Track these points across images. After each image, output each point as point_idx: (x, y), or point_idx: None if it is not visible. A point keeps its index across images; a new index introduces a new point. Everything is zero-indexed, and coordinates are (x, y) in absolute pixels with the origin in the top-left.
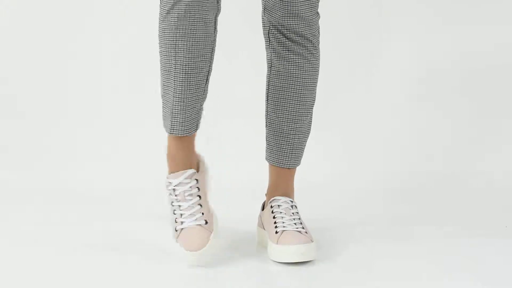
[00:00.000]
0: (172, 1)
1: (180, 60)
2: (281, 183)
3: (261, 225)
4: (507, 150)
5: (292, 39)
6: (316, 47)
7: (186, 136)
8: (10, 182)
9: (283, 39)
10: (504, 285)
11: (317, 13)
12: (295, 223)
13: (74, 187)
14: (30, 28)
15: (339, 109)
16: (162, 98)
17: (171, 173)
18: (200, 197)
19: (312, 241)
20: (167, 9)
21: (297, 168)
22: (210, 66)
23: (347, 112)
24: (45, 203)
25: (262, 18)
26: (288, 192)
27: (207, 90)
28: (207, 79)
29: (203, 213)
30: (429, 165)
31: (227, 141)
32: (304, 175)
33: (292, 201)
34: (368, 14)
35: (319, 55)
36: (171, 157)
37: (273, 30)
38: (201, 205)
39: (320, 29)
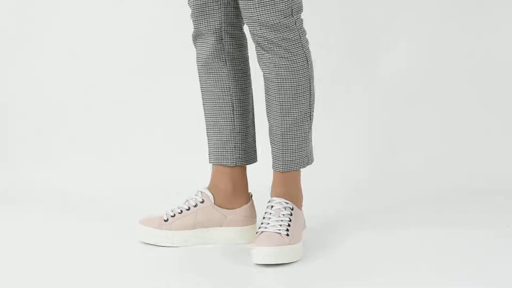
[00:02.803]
0: None
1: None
2: (278, 185)
3: None
4: (507, 150)
5: (263, 46)
6: (289, 50)
7: None
8: (4, 183)
9: (257, 47)
10: (505, 285)
11: (291, 15)
12: (280, 225)
13: (73, 187)
14: (22, 26)
15: (339, 109)
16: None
17: None
18: None
19: (290, 244)
20: None
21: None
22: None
23: (347, 112)
24: (42, 203)
25: None
26: (285, 193)
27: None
28: None
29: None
30: (429, 165)
31: None
32: (304, 175)
33: (287, 203)
34: (368, 14)
35: (296, 58)
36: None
37: (252, 40)
38: None
39: (302, 31)
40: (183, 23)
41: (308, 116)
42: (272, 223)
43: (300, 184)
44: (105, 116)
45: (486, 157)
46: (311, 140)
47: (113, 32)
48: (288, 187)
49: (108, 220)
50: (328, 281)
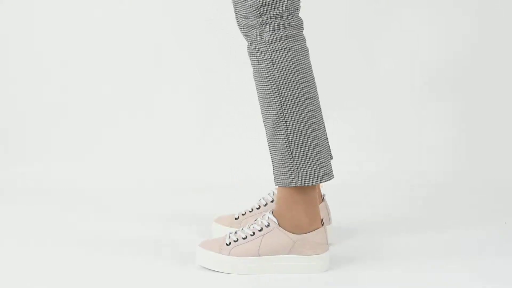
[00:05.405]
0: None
1: None
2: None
3: None
4: (507, 150)
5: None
6: (257, 49)
7: None
8: (5, 181)
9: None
10: (504, 282)
11: (259, 17)
12: (235, 232)
13: (71, 187)
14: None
15: (342, 108)
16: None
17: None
18: None
19: (221, 253)
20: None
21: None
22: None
23: (350, 111)
24: (39, 202)
25: None
26: (276, 209)
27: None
28: None
29: None
30: (429, 165)
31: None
32: None
33: (269, 218)
34: (369, 13)
35: (261, 58)
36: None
37: None
38: None
39: (273, 36)
40: (181, 21)
41: (283, 126)
42: (240, 231)
43: (293, 205)
44: (104, 115)
45: (485, 156)
46: (298, 158)
47: (111, 31)
48: (278, 203)
49: (102, 219)
50: (329, 277)
